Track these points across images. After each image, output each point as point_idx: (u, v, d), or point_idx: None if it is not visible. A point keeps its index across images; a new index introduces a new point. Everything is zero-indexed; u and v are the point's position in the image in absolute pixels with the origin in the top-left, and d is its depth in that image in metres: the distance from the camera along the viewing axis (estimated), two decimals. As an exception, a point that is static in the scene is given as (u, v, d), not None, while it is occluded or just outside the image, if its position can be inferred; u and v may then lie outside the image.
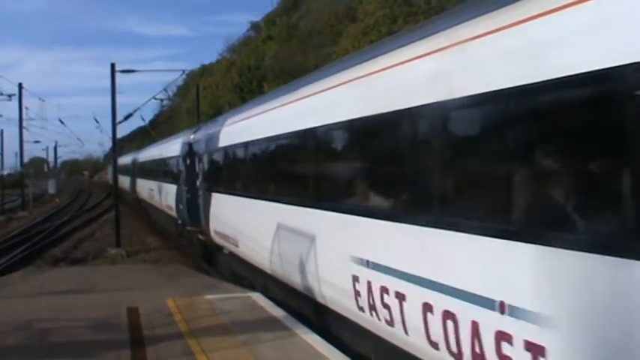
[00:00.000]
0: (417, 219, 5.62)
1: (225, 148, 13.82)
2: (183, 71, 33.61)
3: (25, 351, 7.66)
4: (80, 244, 24.94)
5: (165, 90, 38.28)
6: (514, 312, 4.35)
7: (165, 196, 24.86)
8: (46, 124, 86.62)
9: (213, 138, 15.30)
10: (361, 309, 6.82)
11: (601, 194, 3.88)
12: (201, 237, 17.72)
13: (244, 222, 12.16)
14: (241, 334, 8.11)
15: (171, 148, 24.08)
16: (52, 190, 68.19)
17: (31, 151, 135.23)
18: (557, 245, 3.99)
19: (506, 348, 4.42)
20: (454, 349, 5.09)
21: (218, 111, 32.93)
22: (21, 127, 43.57)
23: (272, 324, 8.68)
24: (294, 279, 9.01)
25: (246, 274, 12.92)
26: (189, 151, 18.53)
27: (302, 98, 8.92)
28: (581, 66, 3.76)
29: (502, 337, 4.46)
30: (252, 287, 11.68)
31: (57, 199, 58.73)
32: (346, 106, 7.29)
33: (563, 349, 3.97)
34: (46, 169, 79.12)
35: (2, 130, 53.63)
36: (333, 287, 7.58)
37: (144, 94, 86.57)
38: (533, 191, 4.42)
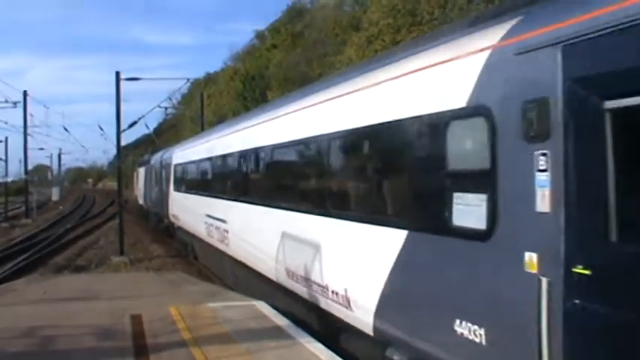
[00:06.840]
0: None
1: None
2: (188, 79, 33.89)
3: (28, 358, 7.65)
4: (84, 252, 24.95)
5: (169, 98, 38.49)
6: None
7: None
8: (50, 132, 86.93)
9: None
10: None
11: None
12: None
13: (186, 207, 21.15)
14: (244, 343, 8.08)
15: None
16: (55, 197, 68.49)
17: (36, 159, 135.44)
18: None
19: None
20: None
21: (222, 119, 32.93)
22: (25, 135, 43.67)
23: (276, 333, 8.66)
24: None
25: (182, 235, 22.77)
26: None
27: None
28: None
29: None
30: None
31: (60, 207, 58.85)
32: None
33: None
34: (49, 176, 79.35)
35: (7, 138, 53.67)
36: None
37: (148, 102, 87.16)
38: None
